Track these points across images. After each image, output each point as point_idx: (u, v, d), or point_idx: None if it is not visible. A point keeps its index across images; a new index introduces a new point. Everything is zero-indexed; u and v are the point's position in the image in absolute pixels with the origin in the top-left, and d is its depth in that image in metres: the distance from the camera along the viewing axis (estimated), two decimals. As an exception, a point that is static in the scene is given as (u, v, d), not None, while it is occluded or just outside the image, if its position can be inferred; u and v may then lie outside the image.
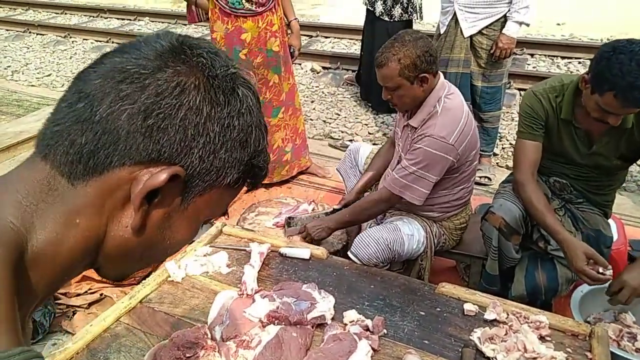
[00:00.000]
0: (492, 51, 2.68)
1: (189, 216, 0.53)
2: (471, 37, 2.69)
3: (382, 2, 3.61)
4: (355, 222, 1.90)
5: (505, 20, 2.63)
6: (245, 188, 0.59)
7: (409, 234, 1.83)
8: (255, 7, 2.38)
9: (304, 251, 1.73)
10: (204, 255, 1.74)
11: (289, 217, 2.14)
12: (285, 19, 2.63)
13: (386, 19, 3.64)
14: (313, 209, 2.28)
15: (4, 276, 0.43)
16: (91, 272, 2.18)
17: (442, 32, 2.79)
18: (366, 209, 1.90)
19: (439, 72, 1.79)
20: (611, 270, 1.51)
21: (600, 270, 1.51)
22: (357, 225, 2.21)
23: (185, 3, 2.64)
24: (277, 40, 2.49)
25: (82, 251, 0.50)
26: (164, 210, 0.51)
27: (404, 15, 3.63)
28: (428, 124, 1.74)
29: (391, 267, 1.93)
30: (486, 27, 2.65)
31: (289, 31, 2.69)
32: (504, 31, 2.62)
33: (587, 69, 1.60)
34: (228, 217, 0.70)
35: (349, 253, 1.83)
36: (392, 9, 3.61)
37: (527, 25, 2.68)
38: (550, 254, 1.76)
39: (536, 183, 1.75)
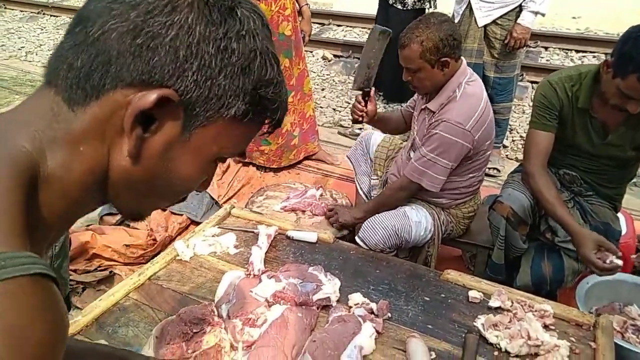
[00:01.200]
0: (506, 41, 2.65)
1: (193, 149, 0.51)
2: (485, 27, 2.66)
3: None
4: (379, 211, 1.89)
5: (520, 10, 2.60)
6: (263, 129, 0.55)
7: (417, 220, 1.84)
8: (268, -9, 2.38)
9: (311, 234, 1.75)
10: (212, 236, 1.76)
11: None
12: (297, 5, 2.62)
13: (399, 6, 3.62)
14: (321, 194, 2.29)
15: (17, 191, 0.43)
16: (100, 250, 2.21)
17: (456, 21, 2.76)
18: (389, 196, 1.92)
19: (462, 57, 1.77)
20: (621, 261, 1.50)
21: (609, 260, 1.50)
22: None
23: None
24: (289, 25, 2.48)
25: (90, 181, 0.49)
26: (163, 139, 0.49)
27: (417, 3, 3.59)
28: (446, 108, 1.73)
29: (398, 254, 1.94)
30: (500, 16, 2.62)
31: (299, 17, 2.68)
32: (519, 21, 2.59)
33: (602, 61, 1.58)
34: (245, 157, 0.69)
35: (356, 238, 1.84)
36: None
37: (543, 15, 2.65)
38: (558, 245, 1.76)
39: (546, 173, 1.74)
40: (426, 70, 1.69)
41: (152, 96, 0.45)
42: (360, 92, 2.05)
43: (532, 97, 4.17)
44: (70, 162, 0.48)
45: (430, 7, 3.66)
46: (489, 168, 3.07)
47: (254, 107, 0.51)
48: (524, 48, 2.73)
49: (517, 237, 1.74)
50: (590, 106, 1.64)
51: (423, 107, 1.85)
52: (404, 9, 3.61)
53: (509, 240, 1.78)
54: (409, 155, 1.93)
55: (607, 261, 1.50)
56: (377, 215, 1.84)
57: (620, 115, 1.59)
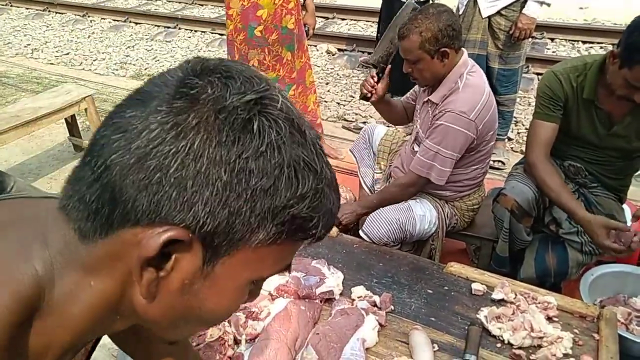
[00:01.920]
0: (511, 32, 2.62)
1: (219, 280, 0.45)
2: (489, 17, 2.63)
3: None
4: (383, 206, 1.87)
5: (525, 1, 2.56)
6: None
7: (421, 214, 1.84)
8: (272, -16, 2.38)
9: (314, 228, 1.75)
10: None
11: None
12: None
13: (403, 0, 3.59)
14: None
15: (10, 313, 0.42)
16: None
17: (460, 12, 2.74)
18: (395, 193, 1.88)
19: (463, 48, 1.77)
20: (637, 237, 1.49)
21: (624, 240, 1.49)
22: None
23: None
24: (292, 18, 2.48)
25: (98, 315, 0.47)
26: (181, 276, 0.44)
27: None
28: (449, 99, 1.73)
29: (402, 247, 1.94)
30: (505, 7, 2.59)
31: (303, 10, 2.68)
32: (524, 11, 2.56)
33: (607, 51, 1.56)
34: (290, 271, 0.59)
35: (360, 232, 1.84)
36: None
37: (548, 5, 2.61)
38: (562, 237, 1.75)
39: (549, 162, 1.73)
40: (426, 61, 1.69)
41: (157, 241, 0.41)
42: (376, 68, 2.02)
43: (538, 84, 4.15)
44: (78, 295, 0.45)
45: None
46: (494, 161, 3.05)
47: (286, 228, 0.44)
48: (529, 39, 2.70)
49: (521, 230, 1.74)
50: (596, 97, 1.63)
51: (425, 99, 1.85)
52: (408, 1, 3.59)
53: (513, 233, 1.77)
54: (413, 148, 1.93)
55: (623, 240, 1.49)
56: (381, 209, 1.84)
57: (626, 106, 1.57)
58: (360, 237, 1.82)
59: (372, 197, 1.97)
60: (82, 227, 0.44)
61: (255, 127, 0.41)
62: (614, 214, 1.78)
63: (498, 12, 2.61)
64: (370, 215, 1.84)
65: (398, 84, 3.98)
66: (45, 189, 3.02)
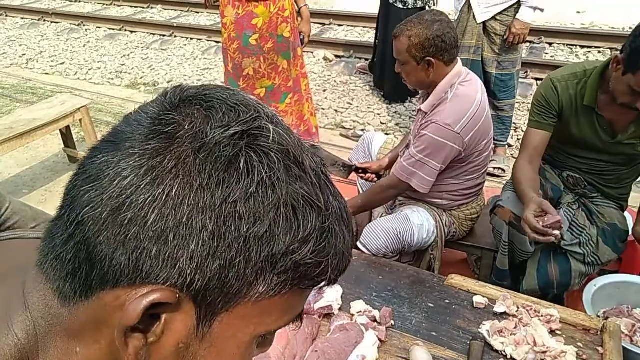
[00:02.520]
0: (505, 37, 2.62)
1: (218, 341, 0.40)
2: (484, 23, 2.63)
3: None
4: (368, 207, 1.91)
5: (520, 6, 2.57)
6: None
7: (419, 223, 1.81)
8: (267, -7, 2.36)
9: (312, 241, 1.72)
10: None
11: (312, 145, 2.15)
12: (296, 6, 2.60)
13: (400, 6, 3.58)
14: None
15: None
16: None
17: (455, 17, 2.73)
18: (377, 193, 1.90)
19: (457, 59, 1.74)
20: (557, 232, 1.45)
21: (545, 221, 1.44)
22: (368, 215, 2.19)
23: None
24: (288, 26, 2.46)
25: None
26: (174, 339, 0.38)
27: (418, 2, 3.56)
28: (436, 110, 1.71)
29: (401, 258, 1.91)
30: (500, 12, 2.58)
31: (299, 18, 2.66)
32: (517, 16, 2.56)
33: (607, 58, 1.54)
34: (301, 322, 0.50)
35: (358, 243, 1.81)
36: None
37: (542, 10, 2.61)
38: (564, 249, 1.72)
39: (529, 166, 1.69)
40: (411, 65, 1.69)
41: (138, 307, 0.35)
42: (355, 172, 2.17)
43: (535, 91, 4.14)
44: None
45: (433, 4, 3.63)
46: (494, 168, 3.02)
47: (290, 276, 0.38)
48: (524, 43, 2.70)
49: (525, 241, 1.71)
50: (596, 104, 1.60)
51: (418, 108, 1.84)
52: (405, 8, 3.57)
53: (516, 244, 1.74)
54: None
55: (541, 224, 1.44)
56: (378, 219, 1.82)
57: (628, 115, 1.54)
58: (358, 249, 1.79)
59: (358, 197, 1.98)
60: (61, 288, 0.39)
61: (242, 164, 0.35)
62: (616, 223, 1.75)
63: (493, 17, 2.61)
64: (368, 226, 1.82)
65: (394, 91, 3.98)
66: (40, 201, 3.00)
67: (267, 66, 2.53)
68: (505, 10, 2.58)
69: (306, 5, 2.64)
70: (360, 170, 2.12)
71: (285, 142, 0.38)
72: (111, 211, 0.35)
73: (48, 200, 3.01)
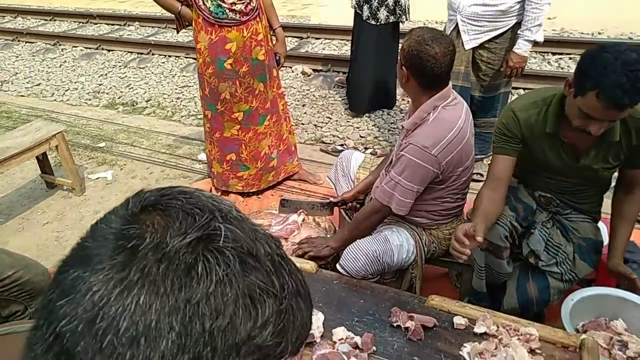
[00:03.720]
0: (502, 69, 2.60)
1: None
2: (473, 49, 2.59)
3: (368, 5, 3.58)
4: (356, 237, 1.85)
5: (512, 32, 2.52)
6: None
7: (398, 244, 1.82)
8: (240, 17, 2.35)
9: (293, 266, 1.72)
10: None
11: (284, 199, 2.25)
12: (270, 27, 2.60)
13: (373, 22, 3.62)
14: (303, 220, 2.26)
15: None
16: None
17: None
18: (362, 221, 1.87)
19: (443, 87, 1.70)
20: (469, 251, 1.50)
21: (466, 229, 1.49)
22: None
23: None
24: (262, 49, 2.46)
25: None
26: None
27: (390, 17, 3.60)
28: (416, 131, 1.72)
29: (383, 275, 1.92)
30: (488, 40, 2.55)
31: (273, 38, 2.66)
32: (515, 49, 2.50)
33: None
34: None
35: (337, 266, 1.81)
36: (378, 12, 3.58)
37: (540, 43, 2.59)
38: (542, 269, 1.74)
39: (491, 194, 1.71)
40: (399, 62, 1.72)
41: None
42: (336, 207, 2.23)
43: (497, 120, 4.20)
44: None
45: (405, 20, 3.68)
46: (475, 173, 3.05)
47: (255, 357, 0.42)
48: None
49: (502, 265, 1.72)
50: (558, 130, 1.61)
51: (402, 124, 1.85)
52: (378, 24, 3.62)
53: (494, 268, 1.76)
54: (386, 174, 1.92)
55: (467, 243, 1.49)
56: (358, 241, 1.82)
57: (589, 140, 1.55)
58: (339, 272, 1.79)
59: (344, 229, 1.97)
60: None
61: (199, 269, 0.39)
62: (590, 237, 1.78)
63: (481, 45, 2.57)
64: (348, 248, 1.82)
65: (359, 102, 4.03)
66: (17, 230, 2.94)
67: (244, 90, 2.52)
68: (493, 38, 2.54)
69: (280, 26, 2.63)
70: (340, 203, 2.13)
71: (238, 237, 0.42)
72: (86, 323, 0.38)
73: (25, 229, 2.95)
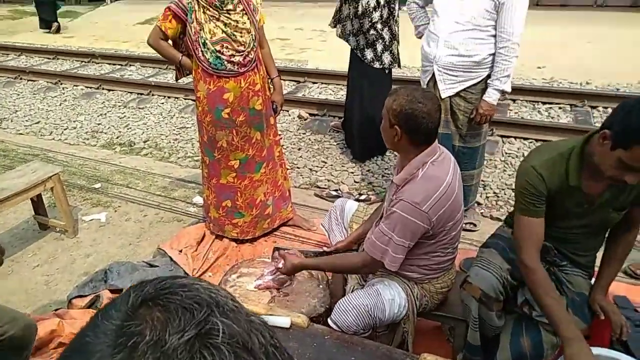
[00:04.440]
0: (472, 116, 2.68)
1: None
2: (450, 98, 2.70)
3: (372, 49, 3.65)
4: (327, 270, 1.99)
5: (485, 84, 2.63)
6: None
7: (390, 298, 1.82)
8: (237, 68, 2.43)
9: (283, 319, 1.71)
10: (183, 325, 1.70)
11: (277, 247, 2.27)
12: (268, 76, 2.67)
13: (377, 65, 3.70)
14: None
15: None
16: (68, 338, 2.13)
17: None
18: (346, 267, 1.94)
19: (433, 142, 1.76)
20: None
21: None
22: (342, 288, 2.20)
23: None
24: (259, 99, 2.53)
25: None
26: None
27: (394, 64, 3.72)
28: (406, 187, 1.75)
29: (375, 329, 1.90)
30: (464, 89, 2.65)
31: (271, 86, 2.72)
32: (484, 97, 2.61)
33: (583, 137, 1.61)
34: None
35: (329, 320, 1.80)
36: (382, 56, 3.65)
37: (508, 93, 2.71)
38: (535, 319, 1.74)
39: (543, 267, 1.69)
40: (385, 123, 1.76)
41: None
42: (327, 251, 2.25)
43: (503, 151, 4.24)
44: None
45: (397, 66, 3.81)
46: (466, 223, 3.07)
47: None
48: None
49: (492, 317, 1.72)
50: (581, 182, 1.63)
51: (391, 179, 1.88)
52: (381, 67, 3.70)
53: (484, 320, 1.75)
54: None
55: None
56: (349, 295, 1.82)
57: (604, 183, 1.59)
58: (330, 326, 1.77)
59: (320, 259, 2.04)
60: None
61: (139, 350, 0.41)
62: (584, 292, 1.79)
63: (457, 94, 2.67)
64: (339, 302, 1.82)
65: (361, 150, 4.09)
66: (6, 273, 2.91)
67: (240, 139, 2.57)
68: (468, 87, 2.64)
69: (278, 76, 2.71)
70: (333, 253, 2.15)
71: (234, 332, 0.44)
72: None
73: (14, 272, 2.92)
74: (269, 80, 2.70)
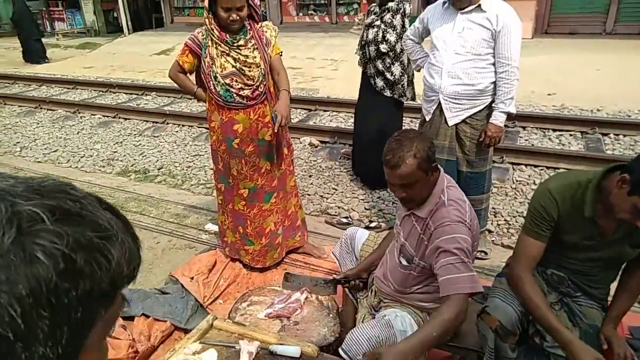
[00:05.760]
0: (480, 139, 2.73)
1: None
2: (456, 125, 2.76)
3: (382, 77, 3.69)
4: (434, 344, 1.68)
5: (489, 109, 2.71)
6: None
7: (402, 329, 1.81)
8: (247, 101, 2.50)
9: (293, 349, 1.71)
10: (194, 354, 1.72)
11: (288, 273, 2.25)
12: (277, 90, 2.56)
13: (387, 93, 3.74)
14: (306, 298, 2.27)
15: None
16: None
17: (427, 119, 2.88)
18: (445, 325, 1.60)
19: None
20: None
21: None
22: (352, 318, 2.19)
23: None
24: (268, 131, 2.59)
25: None
26: None
27: (405, 95, 3.77)
28: (439, 214, 1.76)
29: None
30: (470, 116, 2.72)
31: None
32: (491, 120, 2.69)
33: (601, 170, 1.64)
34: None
35: (339, 350, 1.79)
36: (394, 86, 3.71)
37: (513, 114, 2.77)
38: (546, 350, 1.72)
39: (533, 278, 1.75)
40: (423, 179, 1.74)
41: None
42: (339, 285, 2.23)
43: (514, 179, 4.24)
44: None
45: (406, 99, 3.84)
46: (479, 251, 3.05)
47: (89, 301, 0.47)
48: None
49: (506, 348, 1.70)
50: (595, 214, 1.65)
51: (407, 213, 1.89)
52: (392, 95, 3.73)
53: (498, 350, 1.74)
54: (400, 262, 1.92)
55: None
56: (361, 325, 1.82)
57: (618, 221, 1.61)
58: (340, 356, 1.77)
59: (417, 339, 1.60)
60: None
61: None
62: (597, 324, 1.77)
63: (463, 121, 2.74)
64: (351, 332, 1.81)
65: (373, 178, 4.10)
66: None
67: (249, 168, 2.63)
68: (474, 114, 2.72)
69: (286, 89, 2.52)
70: (343, 281, 2.15)
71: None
72: None
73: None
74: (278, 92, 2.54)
